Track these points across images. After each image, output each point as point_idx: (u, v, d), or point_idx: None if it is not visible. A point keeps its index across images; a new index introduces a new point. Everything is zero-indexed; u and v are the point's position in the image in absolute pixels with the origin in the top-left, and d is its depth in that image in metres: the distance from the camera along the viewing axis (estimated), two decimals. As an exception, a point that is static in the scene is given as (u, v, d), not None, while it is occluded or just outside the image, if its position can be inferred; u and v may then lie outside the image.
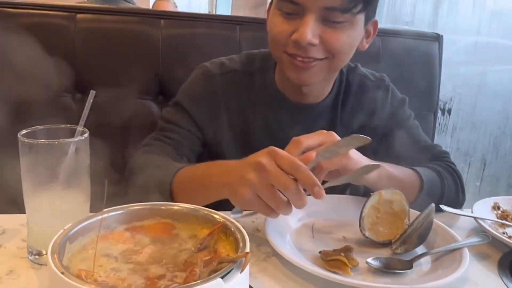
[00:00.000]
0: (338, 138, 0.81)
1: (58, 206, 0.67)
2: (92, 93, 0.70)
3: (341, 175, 0.82)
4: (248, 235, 0.80)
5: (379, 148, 1.09)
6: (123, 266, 0.53)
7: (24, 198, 0.67)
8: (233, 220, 0.60)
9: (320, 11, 0.84)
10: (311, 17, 0.85)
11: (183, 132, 1.01)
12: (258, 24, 1.39)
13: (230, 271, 0.50)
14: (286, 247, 0.72)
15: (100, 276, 0.50)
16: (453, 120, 2.09)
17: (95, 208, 0.65)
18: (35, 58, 1.10)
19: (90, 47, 1.28)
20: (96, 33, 1.29)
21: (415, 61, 1.53)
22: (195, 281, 0.49)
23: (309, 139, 0.78)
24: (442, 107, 2.07)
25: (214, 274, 0.48)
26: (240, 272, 0.50)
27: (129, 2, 2.07)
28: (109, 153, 1.02)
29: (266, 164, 0.67)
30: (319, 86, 1.01)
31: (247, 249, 0.53)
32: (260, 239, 0.79)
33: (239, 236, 0.57)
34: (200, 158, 1.04)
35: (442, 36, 1.56)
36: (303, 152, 0.77)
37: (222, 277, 0.48)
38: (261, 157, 0.68)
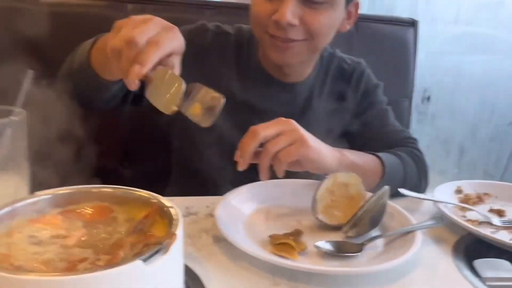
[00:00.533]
0: (297, 126, 0.79)
1: (-6, 190, 0.64)
2: (29, 72, 0.67)
3: (303, 165, 0.80)
4: (200, 220, 0.79)
5: (349, 129, 1.09)
6: (48, 251, 0.51)
7: (-42, 183, 0.65)
8: (171, 203, 0.58)
9: None
10: None
11: None
12: (227, 8, 1.36)
13: (156, 253, 0.48)
14: (234, 231, 0.70)
15: (17, 260, 0.48)
16: (432, 108, 2.08)
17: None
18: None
19: (54, 33, 1.24)
20: (61, 18, 1.25)
21: (390, 47, 1.52)
22: (117, 264, 0.47)
23: (267, 130, 0.77)
24: (422, 95, 2.06)
25: (136, 256, 0.46)
26: (164, 254, 0.48)
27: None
28: (77, 140, 1.01)
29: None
30: (300, 67, 1.02)
31: (178, 231, 0.51)
32: (212, 224, 0.77)
33: (174, 218, 0.54)
34: None
35: (417, 21, 1.54)
36: (261, 143, 0.76)
37: (145, 260, 0.46)
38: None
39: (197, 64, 0.99)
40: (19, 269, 0.45)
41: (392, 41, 1.52)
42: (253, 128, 0.77)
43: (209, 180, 1.02)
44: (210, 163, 1.03)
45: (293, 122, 0.79)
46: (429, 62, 2.04)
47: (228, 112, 0.99)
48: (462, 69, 2.07)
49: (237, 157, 0.77)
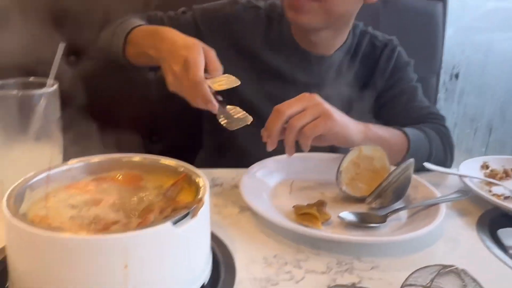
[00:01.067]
0: (321, 100, 0.79)
1: (30, 159, 0.67)
2: (62, 45, 0.69)
3: (328, 139, 0.80)
4: (226, 191, 0.81)
5: (376, 104, 1.09)
6: (82, 214, 0.54)
7: (-4, 151, 0.68)
8: (198, 171, 0.60)
9: None
10: None
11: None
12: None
13: (184, 217, 0.50)
14: (258, 201, 0.72)
15: (54, 222, 0.51)
16: (460, 85, 2.03)
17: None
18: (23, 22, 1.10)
19: (81, 7, 1.26)
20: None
21: (418, 22, 1.48)
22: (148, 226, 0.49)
23: (291, 107, 0.77)
24: (450, 72, 2.01)
25: (166, 219, 0.48)
26: (192, 218, 0.50)
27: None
28: (102, 113, 1.04)
29: (177, 73, 0.74)
30: (326, 37, 1.01)
31: (205, 197, 0.53)
32: (237, 195, 0.78)
33: (200, 185, 0.56)
34: None
35: (447, -5, 1.50)
36: (286, 121, 0.77)
37: (175, 222, 0.48)
38: (176, 65, 0.74)
39: (227, 34, 1.02)
40: (56, 230, 0.48)
41: (420, 16, 1.49)
42: (277, 107, 0.77)
43: (240, 152, 1.04)
44: (241, 135, 1.05)
45: (317, 96, 0.80)
46: (459, 39, 1.99)
47: (258, 83, 1.02)
48: (493, 46, 2.01)
49: (265, 137, 0.78)
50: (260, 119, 0.78)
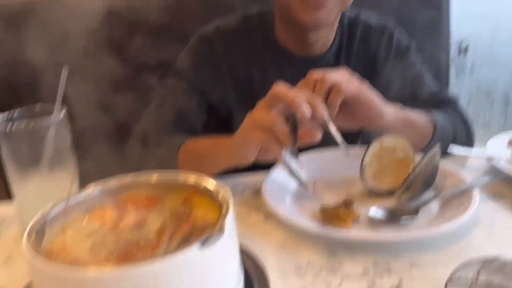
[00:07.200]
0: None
1: (45, 189, 0.66)
2: (65, 68, 0.67)
3: (360, 112, 0.77)
4: (248, 198, 0.79)
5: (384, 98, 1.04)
6: (102, 244, 0.51)
7: (11, 184, 0.66)
8: (219, 184, 0.57)
9: None
10: None
11: (185, 99, 0.98)
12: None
13: (210, 237, 0.47)
14: (283, 207, 0.69)
15: (73, 255, 0.49)
16: (471, 59, 1.97)
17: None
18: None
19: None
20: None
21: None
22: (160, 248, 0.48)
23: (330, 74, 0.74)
24: (459, 46, 1.96)
25: (192, 242, 0.46)
26: (219, 239, 0.47)
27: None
28: (106, 132, 1.02)
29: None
30: (325, 33, 0.96)
31: (229, 214, 0.50)
32: (259, 201, 0.76)
33: (224, 201, 0.54)
34: (208, 124, 1.02)
35: (451, -34, 1.45)
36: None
37: (202, 244, 0.46)
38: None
39: (214, 71, 1.00)
40: (75, 263, 0.46)
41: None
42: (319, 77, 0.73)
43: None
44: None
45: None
46: (464, 10, 1.93)
47: (255, 100, 0.96)
48: (501, 13, 1.95)
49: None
50: None
